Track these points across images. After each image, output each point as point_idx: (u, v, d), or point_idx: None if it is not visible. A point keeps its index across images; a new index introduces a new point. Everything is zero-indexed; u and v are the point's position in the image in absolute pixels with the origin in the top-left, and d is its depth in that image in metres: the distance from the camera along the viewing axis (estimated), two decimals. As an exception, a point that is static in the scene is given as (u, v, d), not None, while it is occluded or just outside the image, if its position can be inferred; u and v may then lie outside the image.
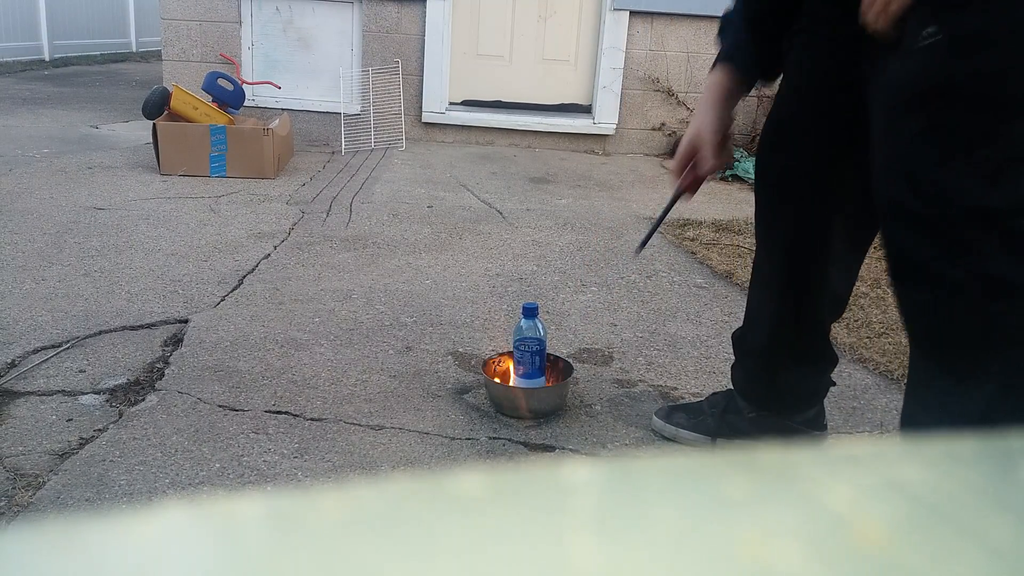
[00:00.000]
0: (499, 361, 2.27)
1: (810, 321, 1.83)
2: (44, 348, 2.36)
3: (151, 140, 4.55)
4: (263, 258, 3.25)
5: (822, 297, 1.78)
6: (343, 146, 5.52)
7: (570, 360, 2.33)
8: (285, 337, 2.53)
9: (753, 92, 5.74)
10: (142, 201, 3.96)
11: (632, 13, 5.73)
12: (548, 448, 2.01)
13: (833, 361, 1.92)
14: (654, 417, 2.10)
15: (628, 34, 5.78)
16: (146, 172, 4.50)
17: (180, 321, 2.60)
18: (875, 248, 4.04)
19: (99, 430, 1.95)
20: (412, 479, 0.26)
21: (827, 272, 1.74)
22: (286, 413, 2.08)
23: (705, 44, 5.78)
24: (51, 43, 10.17)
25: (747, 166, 5.22)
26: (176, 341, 2.46)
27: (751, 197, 5.04)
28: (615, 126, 5.92)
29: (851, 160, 1.57)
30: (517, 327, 2.17)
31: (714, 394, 2.08)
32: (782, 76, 1.69)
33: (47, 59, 10.02)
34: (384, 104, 5.78)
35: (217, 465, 1.85)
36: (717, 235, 3.85)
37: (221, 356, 2.37)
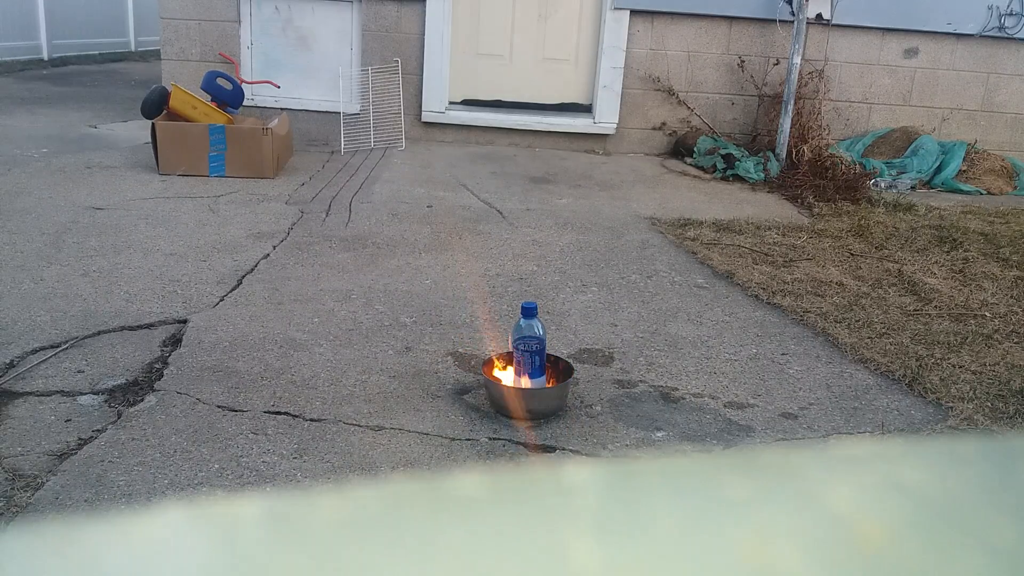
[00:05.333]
0: (499, 361, 2.27)
1: None
2: (43, 348, 2.36)
3: (150, 140, 4.55)
4: (262, 258, 3.25)
5: None
6: (342, 146, 5.52)
7: (570, 360, 2.33)
8: (284, 337, 2.52)
9: (753, 91, 5.78)
10: (141, 201, 3.96)
11: (632, 12, 5.73)
12: (548, 449, 2.01)
13: None
14: None
15: (628, 33, 5.78)
16: (145, 172, 4.50)
17: (179, 321, 2.60)
18: (877, 248, 4.03)
19: (98, 431, 1.95)
20: (412, 480, 0.26)
21: None
22: (285, 414, 2.08)
23: (705, 43, 5.78)
24: (50, 42, 10.16)
25: (747, 166, 5.21)
26: (175, 341, 2.46)
27: (752, 197, 5.08)
28: (615, 125, 5.92)
29: None
30: (516, 326, 2.17)
31: None
32: None
33: (46, 58, 10.00)
34: (384, 103, 5.78)
35: (216, 466, 1.85)
36: (718, 235, 3.84)
37: (220, 356, 2.37)
